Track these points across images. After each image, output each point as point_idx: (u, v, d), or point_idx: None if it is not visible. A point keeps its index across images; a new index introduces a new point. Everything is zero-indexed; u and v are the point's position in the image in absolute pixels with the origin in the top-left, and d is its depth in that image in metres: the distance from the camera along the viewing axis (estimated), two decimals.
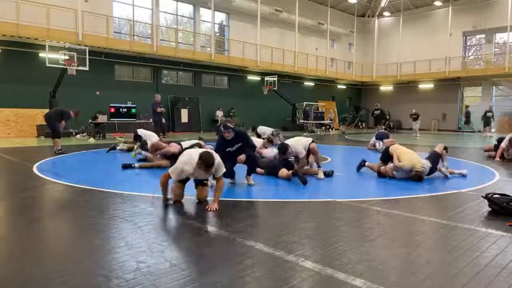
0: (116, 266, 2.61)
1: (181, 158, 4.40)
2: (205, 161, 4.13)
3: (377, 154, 8.73)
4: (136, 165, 7.15)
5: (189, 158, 4.32)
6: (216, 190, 4.41)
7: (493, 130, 22.09)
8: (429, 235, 3.52)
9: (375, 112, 20.87)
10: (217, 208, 4.14)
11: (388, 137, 10.76)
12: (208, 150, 4.59)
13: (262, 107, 24.63)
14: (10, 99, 15.39)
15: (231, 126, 5.35)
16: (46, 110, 15.62)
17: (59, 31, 15.76)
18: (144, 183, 5.85)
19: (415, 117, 21.53)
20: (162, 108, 14.15)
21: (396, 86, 30.71)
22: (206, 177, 4.53)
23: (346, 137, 18.78)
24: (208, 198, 4.54)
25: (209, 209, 4.12)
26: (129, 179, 6.21)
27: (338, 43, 30.91)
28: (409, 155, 6.29)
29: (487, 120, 20.78)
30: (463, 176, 6.70)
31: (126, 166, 7.07)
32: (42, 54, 15.30)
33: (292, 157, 6.55)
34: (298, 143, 6.55)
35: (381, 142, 10.84)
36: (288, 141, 6.61)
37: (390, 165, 6.44)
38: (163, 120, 17.80)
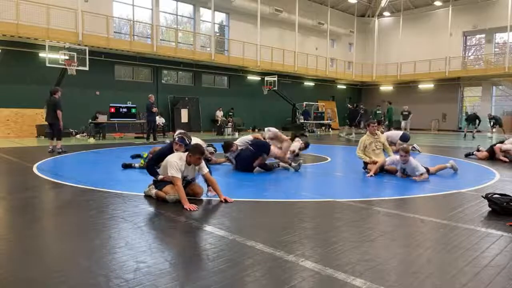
0: (116, 266, 2.60)
1: (171, 158, 4.46)
2: (196, 151, 4.36)
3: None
4: (136, 165, 7.16)
5: (179, 155, 4.53)
6: (213, 186, 4.58)
7: (494, 130, 22.06)
8: (429, 235, 3.52)
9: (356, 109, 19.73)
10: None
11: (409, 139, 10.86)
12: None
13: (262, 107, 24.64)
14: (10, 99, 15.40)
15: (187, 142, 5.18)
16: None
17: (59, 31, 15.76)
18: (145, 183, 5.84)
19: (406, 115, 20.50)
20: (156, 108, 14.28)
21: (396, 86, 30.72)
22: (194, 175, 4.63)
23: (346, 137, 18.73)
24: (205, 197, 4.55)
25: (230, 201, 4.42)
26: (129, 179, 6.21)
27: (338, 43, 30.92)
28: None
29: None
30: (454, 170, 6.95)
31: (127, 166, 7.08)
32: (42, 54, 15.30)
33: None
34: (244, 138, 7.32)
35: (413, 147, 10.91)
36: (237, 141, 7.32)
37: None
38: (163, 120, 17.85)
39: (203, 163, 4.54)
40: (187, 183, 4.59)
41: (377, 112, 21.03)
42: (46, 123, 10.28)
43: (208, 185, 4.72)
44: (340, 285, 2.35)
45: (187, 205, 4.09)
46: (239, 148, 6.97)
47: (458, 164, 7.41)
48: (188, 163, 4.41)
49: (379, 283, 2.37)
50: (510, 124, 24.19)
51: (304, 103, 24.97)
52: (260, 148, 6.89)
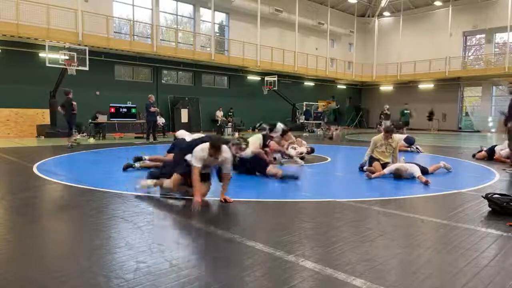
0: (116, 266, 2.60)
1: (196, 148, 4.59)
2: (213, 144, 4.47)
3: None
4: (137, 165, 7.08)
5: (202, 146, 4.62)
6: (224, 182, 4.64)
7: (493, 130, 22.04)
8: (429, 235, 3.52)
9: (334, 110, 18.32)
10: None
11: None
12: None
13: (262, 107, 24.63)
14: (10, 99, 15.39)
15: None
16: (46, 110, 15.71)
17: (59, 31, 15.76)
18: None
19: (388, 115, 19.24)
20: (155, 108, 14.25)
21: (396, 86, 30.72)
22: (213, 165, 4.70)
23: (346, 136, 18.72)
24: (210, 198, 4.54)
25: (230, 201, 4.44)
26: (129, 179, 6.20)
27: (338, 43, 30.92)
28: None
29: None
30: (447, 169, 7.02)
31: (127, 166, 6.93)
32: (42, 54, 15.30)
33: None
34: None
35: (414, 147, 11.01)
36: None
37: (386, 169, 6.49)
38: (163, 120, 17.85)
39: (228, 164, 4.62)
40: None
41: (405, 111, 18.61)
42: (48, 123, 10.71)
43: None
44: (340, 285, 2.35)
45: (197, 197, 4.18)
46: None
47: (458, 164, 7.41)
48: (210, 154, 4.52)
49: (379, 283, 2.37)
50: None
51: (304, 103, 24.97)
52: (257, 167, 6.53)
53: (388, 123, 19.34)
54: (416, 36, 28.88)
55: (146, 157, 7.23)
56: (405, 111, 18.61)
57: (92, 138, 14.13)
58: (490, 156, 9.15)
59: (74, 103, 11.21)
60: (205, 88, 22.86)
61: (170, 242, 3.19)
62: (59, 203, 4.71)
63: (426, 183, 5.80)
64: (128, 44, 18.36)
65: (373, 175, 6.35)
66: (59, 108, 11.45)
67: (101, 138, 14.74)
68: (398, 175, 6.21)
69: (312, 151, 9.32)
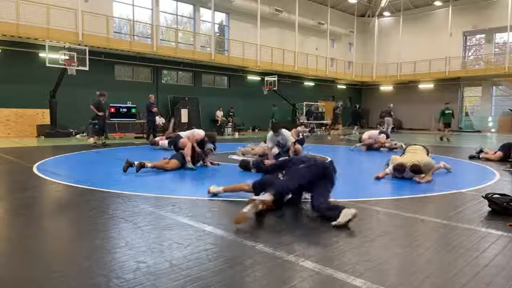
0: (116, 266, 2.60)
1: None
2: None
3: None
4: (136, 162, 6.56)
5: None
6: None
7: (493, 130, 22.00)
8: (429, 235, 3.52)
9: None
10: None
11: None
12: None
13: (262, 107, 24.62)
14: (10, 99, 15.39)
15: None
16: (46, 110, 15.70)
17: (59, 31, 15.76)
18: (145, 183, 5.85)
19: (389, 115, 18.99)
20: (155, 108, 14.40)
21: (396, 86, 30.72)
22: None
23: (346, 136, 18.73)
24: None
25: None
26: (129, 179, 6.20)
27: (338, 43, 30.92)
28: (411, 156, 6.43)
29: None
30: (447, 169, 6.98)
31: (129, 164, 6.51)
32: (42, 54, 15.30)
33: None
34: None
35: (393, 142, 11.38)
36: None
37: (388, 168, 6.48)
38: (163, 120, 17.84)
39: None
40: None
41: (446, 112, 17.03)
42: (48, 123, 10.75)
43: None
44: (340, 285, 2.35)
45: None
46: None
47: (459, 164, 7.41)
48: None
49: (379, 283, 2.37)
50: (510, 124, 24.23)
51: (304, 103, 24.97)
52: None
53: (390, 120, 19.60)
54: (416, 36, 28.89)
55: (149, 165, 6.65)
56: (446, 111, 17.14)
57: (92, 139, 14.07)
58: (506, 156, 8.57)
59: (92, 106, 11.72)
60: (205, 88, 22.85)
61: (170, 242, 3.19)
62: (59, 203, 4.71)
63: (418, 182, 5.88)
64: (128, 44, 18.35)
65: (380, 175, 6.35)
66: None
67: (103, 138, 14.67)
68: (399, 167, 6.18)
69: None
